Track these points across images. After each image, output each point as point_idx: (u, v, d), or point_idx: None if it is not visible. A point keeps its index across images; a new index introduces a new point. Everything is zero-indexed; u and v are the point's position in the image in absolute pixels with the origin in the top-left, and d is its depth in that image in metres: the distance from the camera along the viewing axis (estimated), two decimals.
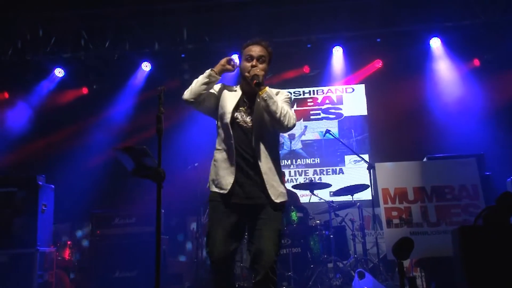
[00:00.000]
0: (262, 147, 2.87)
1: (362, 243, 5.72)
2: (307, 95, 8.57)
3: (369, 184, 5.62)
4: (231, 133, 2.87)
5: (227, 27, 7.43)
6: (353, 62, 8.13)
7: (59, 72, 8.10)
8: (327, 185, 6.24)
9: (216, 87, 3.02)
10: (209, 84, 2.92)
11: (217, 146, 2.96)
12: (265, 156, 2.86)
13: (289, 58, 7.81)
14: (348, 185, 6.08)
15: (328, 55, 8.02)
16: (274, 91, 2.95)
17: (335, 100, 8.49)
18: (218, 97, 3.00)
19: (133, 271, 5.50)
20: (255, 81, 2.83)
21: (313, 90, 8.57)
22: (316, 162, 8.28)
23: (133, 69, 8.14)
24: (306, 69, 8.31)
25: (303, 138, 8.40)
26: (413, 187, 4.74)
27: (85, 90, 8.65)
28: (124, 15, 7.41)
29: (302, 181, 7.86)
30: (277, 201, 2.84)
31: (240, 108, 2.95)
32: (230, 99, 2.97)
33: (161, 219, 2.69)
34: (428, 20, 7.26)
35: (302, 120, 8.38)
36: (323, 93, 8.54)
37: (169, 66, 8.22)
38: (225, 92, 3.02)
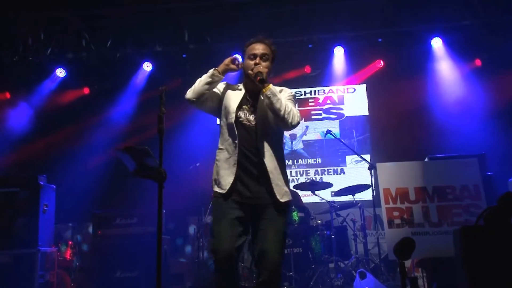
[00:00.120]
0: (266, 145, 2.84)
1: (363, 243, 5.72)
2: (308, 95, 8.56)
3: (371, 184, 5.63)
4: (236, 132, 2.84)
5: (228, 27, 7.43)
6: (354, 62, 8.12)
7: (60, 72, 8.10)
8: (329, 185, 6.22)
9: (219, 86, 3.00)
10: (212, 84, 2.90)
11: (220, 146, 2.94)
12: (270, 154, 2.84)
13: (290, 58, 7.79)
14: (350, 185, 6.06)
15: (329, 55, 8.01)
16: (277, 88, 2.92)
17: (337, 100, 8.48)
18: (221, 96, 2.98)
19: (135, 271, 5.49)
20: (258, 77, 2.81)
21: (315, 90, 8.56)
22: (317, 162, 8.27)
23: (134, 69, 8.14)
24: (307, 69, 8.30)
25: (305, 138, 8.39)
26: (414, 187, 4.73)
27: (86, 90, 8.64)
28: (125, 15, 7.42)
29: (303, 181, 7.85)
30: (282, 200, 2.82)
31: (243, 107, 2.92)
32: (234, 98, 2.95)
33: (162, 219, 2.68)
34: (429, 20, 7.26)
35: (303, 120, 8.36)
36: (325, 93, 8.53)
37: (171, 66, 8.21)
38: (229, 91, 2.99)
